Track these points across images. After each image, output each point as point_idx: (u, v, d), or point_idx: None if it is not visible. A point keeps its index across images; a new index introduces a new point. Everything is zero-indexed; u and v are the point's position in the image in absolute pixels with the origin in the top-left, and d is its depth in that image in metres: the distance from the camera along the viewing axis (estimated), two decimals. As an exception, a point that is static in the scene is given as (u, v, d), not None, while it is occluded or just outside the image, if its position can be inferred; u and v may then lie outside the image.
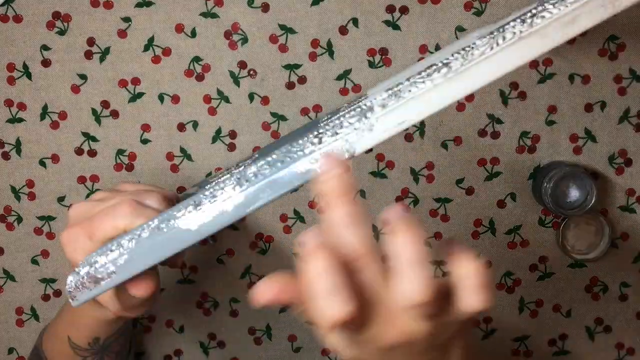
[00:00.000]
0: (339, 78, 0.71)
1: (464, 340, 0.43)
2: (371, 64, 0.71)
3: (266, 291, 0.40)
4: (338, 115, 0.48)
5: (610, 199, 0.73)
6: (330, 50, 0.71)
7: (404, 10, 0.70)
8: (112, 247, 0.51)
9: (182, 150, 0.73)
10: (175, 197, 0.58)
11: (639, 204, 0.74)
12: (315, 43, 0.71)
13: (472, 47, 0.48)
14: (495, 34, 0.48)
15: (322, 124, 0.48)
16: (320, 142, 0.48)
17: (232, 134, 0.72)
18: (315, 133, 0.48)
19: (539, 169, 0.72)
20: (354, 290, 0.38)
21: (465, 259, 0.40)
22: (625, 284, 0.75)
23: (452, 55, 0.48)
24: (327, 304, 0.38)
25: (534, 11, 0.49)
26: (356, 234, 0.39)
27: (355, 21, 0.70)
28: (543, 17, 0.49)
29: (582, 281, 0.75)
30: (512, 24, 0.48)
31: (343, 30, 0.70)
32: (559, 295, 0.75)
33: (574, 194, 0.70)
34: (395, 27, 0.70)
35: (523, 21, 0.49)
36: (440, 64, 0.47)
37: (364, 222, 0.39)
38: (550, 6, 0.49)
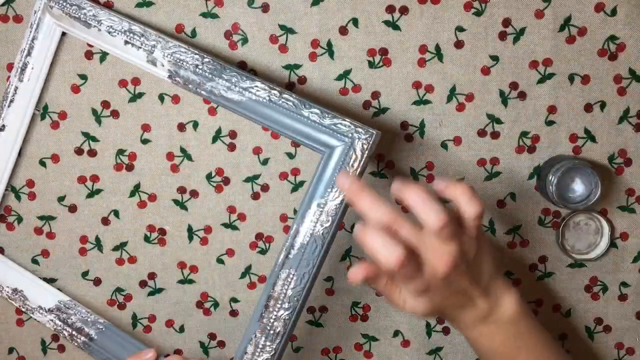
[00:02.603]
0: (339, 78, 0.71)
1: (488, 254, 0.61)
2: (371, 64, 0.71)
3: (358, 272, 0.57)
4: None
5: (610, 198, 0.73)
6: (330, 50, 0.71)
7: (404, 10, 0.70)
8: None
9: (182, 150, 0.73)
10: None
11: (638, 204, 0.74)
12: (315, 43, 0.71)
13: None
14: None
15: None
16: None
17: (232, 134, 0.72)
18: None
19: (544, 162, 0.72)
20: (400, 242, 0.54)
21: (454, 186, 0.57)
22: (625, 284, 0.75)
23: None
24: (384, 252, 0.54)
25: None
26: (381, 210, 0.56)
27: (355, 21, 0.70)
28: None
29: (581, 281, 0.75)
30: None
31: (343, 30, 0.70)
32: (558, 295, 0.75)
33: (579, 188, 0.69)
34: (395, 27, 0.70)
35: None
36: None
37: (381, 201, 0.57)
38: None
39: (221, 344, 0.76)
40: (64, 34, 0.70)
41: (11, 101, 0.70)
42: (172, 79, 0.66)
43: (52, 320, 0.72)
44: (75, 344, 0.72)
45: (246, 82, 0.63)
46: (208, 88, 0.65)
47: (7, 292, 0.73)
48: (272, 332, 0.62)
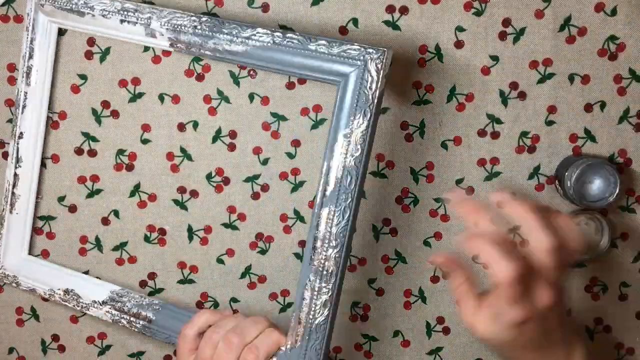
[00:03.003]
0: (339, 78, 0.71)
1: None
2: (371, 64, 0.71)
3: (439, 257, 0.58)
4: None
5: (610, 199, 0.73)
6: (330, 50, 0.71)
7: (404, 10, 0.70)
8: None
9: (182, 150, 0.73)
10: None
11: (638, 204, 0.74)
12: (315, 43, 0.71)
13: None
14: None
15: None
16: None
17: (232, 134, 0.72)
18: None
19: (561, 162, 0.72)
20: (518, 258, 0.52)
21: (530, 215, 0.54)
22: (625, 284, 0.75)
23: None
24: (502, 262, 0.52)
25: None
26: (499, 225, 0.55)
27: (355, 21, 0.70)
28: None
29: (582, 281, 0.75)
30: None
31: (343, 30, 0.70)
32: (558, 295, 0.75)
33: (598, 186, 0.69)
34: (395, 27, 0.70)
35: None
36: None
37: (501, 219, 0.55)
38: None
39: (221, 344, 0.76)
40: (60, 31, 0.70)
41: (24, 107, 0.70)
42: (174, 46, 0.66)
43: (108, 311, 0.72)
44: (135, 329, 0.71)
45: (247, 31, 0.62)
46: (211, 46, 0.64)
47: (59, 294, 0.73)
48: (325, 272, 0.61)
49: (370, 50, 0.59)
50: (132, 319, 0.71)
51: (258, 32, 0.62)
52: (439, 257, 0.58)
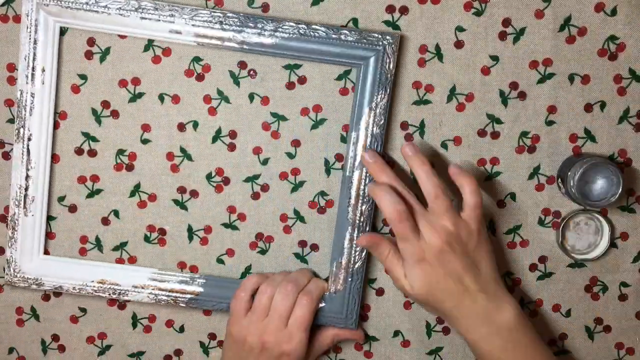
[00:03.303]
0: (339, 78, 0.71)
1: (487, 255, 0.67)
2: (371, 64, 0.71)
3: (364, 237, 0.68)
4: None
5: (610, 199, 0.73)
6: (330, 50, 0.71)
7: (404, 10, 0.70)
8: None
9: (182, 150, 0.73)
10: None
11: (638, 204, 0.74)
12: (315, 43, 0.71)
13: None
14: None
15: None
16: None
17: (232, 134, 0.72)
18: None
19: (563, 161, 0.72)
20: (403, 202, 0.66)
21: (463, 175, 0.66)
22: (625, 284, 0.75)
23: None
24: (389, 202, 0.65)
25: None
26: (397, 181, 0.67)
27: (355, 21, 0.70)
28: None
29: (582, 281, 0.75)
30: None
31: (343, 30, 0.70)
32: (558, 295, 0.75)
33: (600, 185, 0.69)
34: (395, 27, 0.70)
35: None
36: None
37: (398, 179, 0.68)
38: None
39: (221, 344, 0.76)
40: (60, 30, 0.70)
41: (31, 109, 0.70)
42: (200, 42, 0.69)
43: (150, 292, 0.73)
44: (182, 304, 0.73)
45: (272, 24, 0.68)
46: (239, 39, 0.69)
47: (92, 286, 0.73)
48: (359, 223, 0.71)
49: (388, 37, 0.68)
50: (177, 295, 0.73)
51: (283, 25, 0.68)
52: (363, 239, 0.68)
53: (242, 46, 0.69)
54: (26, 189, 0.71)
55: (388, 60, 0.68)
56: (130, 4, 0.67)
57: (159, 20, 0.68)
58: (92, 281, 0.73)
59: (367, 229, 0.71)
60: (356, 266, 0.72)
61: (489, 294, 0.65)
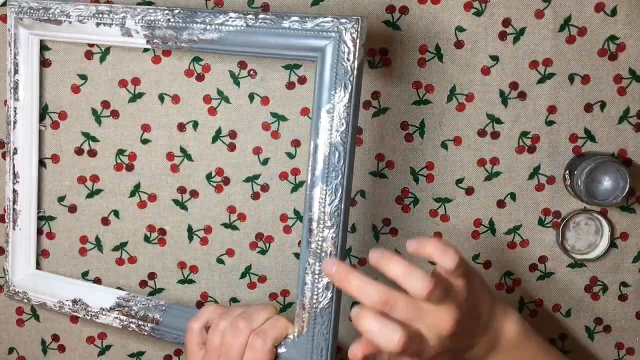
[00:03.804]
0: (339, 78, 0.71)
1: (482, 288, 0.60)
2: (371, 64, 0.71)
3: (358, 351, 0.54)
4: None
5: (610, 199, 0.73)
6: (330, 50, 0.71)
7: (404, 10, 0.70)
8: None
9: (182, 150, 0.73)
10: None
11: (638, 204, 0.74)
12: (315, 43, 0.70)
13: None
14: None
15: None
16: None
17: (232, 134, 0.72)
18: None
19: (570, 159, 0.72)
20: (397, 322, 0.53)
21: (423, 244, 0.55)
22: (625, 284, 0.75)
23: None
24: (384, 337, 0.52)
25: None
26: (371, 291, 0.54)
27: (355, 21, 0.70)
28: None
29: (581, 281, 0.75)
30: None
31: (343, 30, 0.70)
32: (558, 295, 0.75)
33: (607, 185, 0.69)
34: (395, 27, 0.70)
35: None
36: None
37: (369, 282, 0.54)
38: None
39: (221, 344, 0.76)
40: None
41: (15, 122, 0.70)
42: (151, 42, 0.65)
43: (116, 317, 0.71)
44: (145, 333, 0.70)
45: (220, 18, 0.61)
46: (186, 37, 0.63)
47: (68, 305, 0.72)
48: (323, 254, 0.60)
49: (344, 20, 0.57)
50: (140, 322, 0.70)
51: (231, 17, 0.61)
52: (357, 355, 0.55)
53: (190, 45, 0.63)
54: (14, 203, 0.71)
55: (347, 50, 0.57)
56: (88, 10, 0.66)
57: (112, 25, 0.65)
58: (67, 300, 0.73)
59: (336, 255, 0.61)
60: (321, 305, 0.60)
61: (489, 330, 0.61)
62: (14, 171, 0.70)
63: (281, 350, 0.62)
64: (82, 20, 0.66)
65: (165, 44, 0.65)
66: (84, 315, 0.72)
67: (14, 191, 0.71)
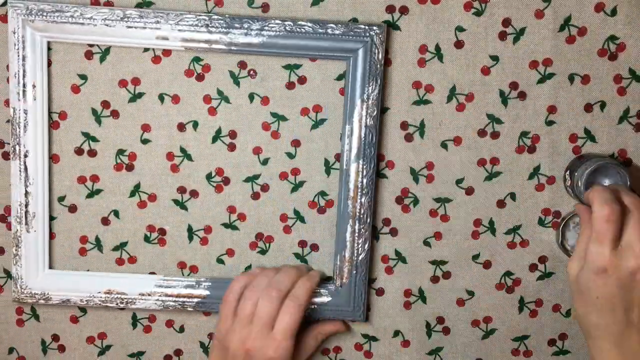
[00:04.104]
0: (339, 78, 0.71)
1: None
2: (371, 64, 0.71)
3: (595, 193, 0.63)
4: None
5: (610, 199, 0.73)
6: (330, 50, 0.71)
7: (404, 10, 0.70)
8: None
9: (182, 150, 0.73)
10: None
11: (638, 204, 0.73)
12: (315, 43, 0.71)
13: None
14: None
15: None
16: None
17: (232, 134, 0.72)
18: None
19: (571, 160, 0.72)
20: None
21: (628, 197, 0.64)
22: (625, 284, 0.75)
23: None
24: (602, 197, 0.61)
25: None
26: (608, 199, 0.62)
27: (355, 21, 0.70)
28: None
29: (582, 281, 0.75)
30: None
31: (343, 30, 0.70)
32: (558, 295, 0.75)
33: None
34: (395, 27, 0.70)
35: None
36: None
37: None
38: None
39: (221, 344, 0.76)
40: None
41: (25, 125, 0.70)
42: (187, 46, 0.69)
43: (158, 299, 0.73)
44: (190, 308, 0.73)
45: (258, 24, 0.68)
46: (227, 40, 0.69)
47: (99, 297, 0.73)
48: (361, 216, 0.71)
49: (374, 27, 0.69)
50: (185, 300, 0.73)
51: (270, 23, 0.68)
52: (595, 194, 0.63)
53: (230, 47, 0.69)
54: (26, 206, 0.71)
55: (376, 51, 0.69)
56: (115, 14, 0.68)
57: (145, 28, 0.68)
58: (99, 292, 0.73)
59: (368, 220, 0.71)
60: (360, 257, 0.72)
61: None
62: (26, 174, 0.70)
63: (325, 299, 0.73)
64: (109, 24, 0.68)
65: (206, 48, 0.69)
66: (117, 304, 0.73)
67: (27, 193, 0.71)
